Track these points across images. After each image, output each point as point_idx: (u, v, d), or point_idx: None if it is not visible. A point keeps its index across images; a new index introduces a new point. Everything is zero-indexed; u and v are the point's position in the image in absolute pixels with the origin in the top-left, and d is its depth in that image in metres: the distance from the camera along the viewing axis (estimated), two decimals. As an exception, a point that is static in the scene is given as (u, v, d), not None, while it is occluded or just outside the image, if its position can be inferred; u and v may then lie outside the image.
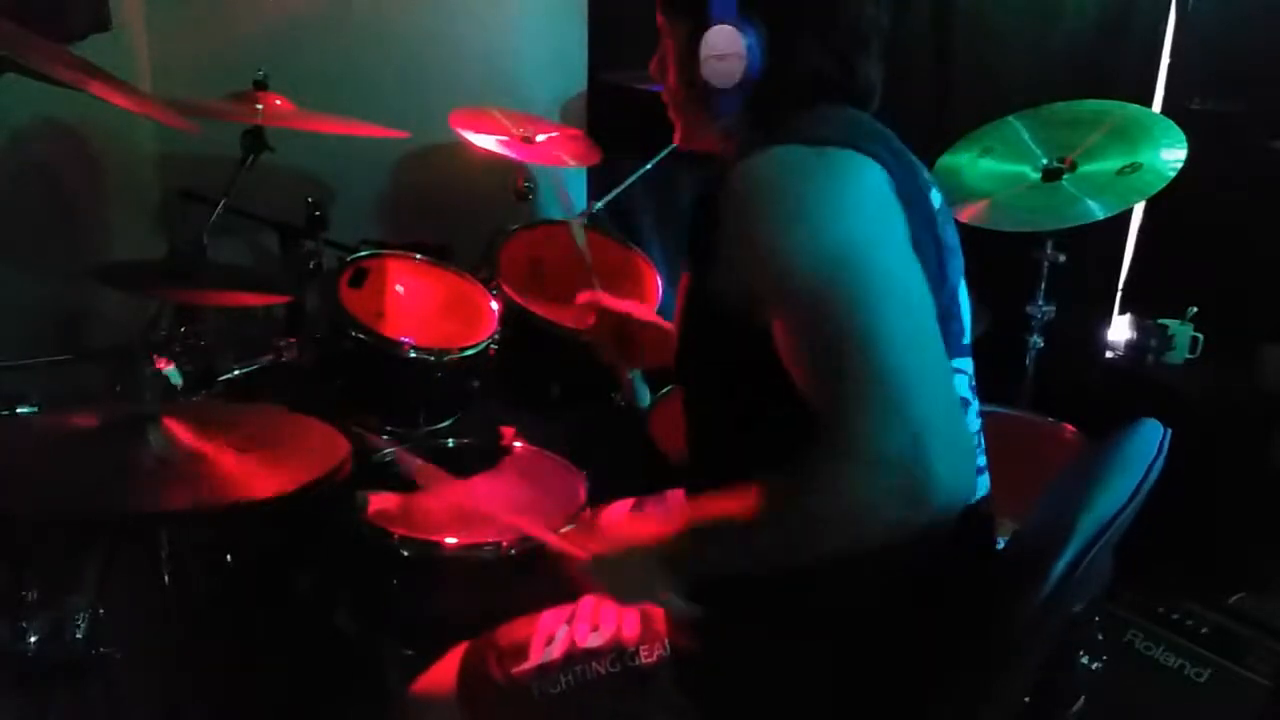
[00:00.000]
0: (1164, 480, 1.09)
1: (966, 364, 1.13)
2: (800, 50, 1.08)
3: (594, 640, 1.19)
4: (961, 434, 0.91)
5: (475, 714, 1.23)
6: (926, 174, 1.14)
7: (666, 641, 1.16)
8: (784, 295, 0.94)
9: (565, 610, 1.25)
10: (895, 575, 1.08)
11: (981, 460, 1.16)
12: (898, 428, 0.84)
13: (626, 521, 1.25)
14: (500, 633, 1.27)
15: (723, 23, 1.06)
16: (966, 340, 1.13)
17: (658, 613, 1.19)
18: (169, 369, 1.72)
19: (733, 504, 0.94)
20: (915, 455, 0.83)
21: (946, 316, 1.05)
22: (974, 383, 1.17)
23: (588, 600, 1.25)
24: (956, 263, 1.12)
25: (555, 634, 1.22)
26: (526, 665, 1.20)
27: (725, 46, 1.06)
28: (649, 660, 1.15)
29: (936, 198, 1.12)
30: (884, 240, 0.94)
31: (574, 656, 1.18)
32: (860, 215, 0.95)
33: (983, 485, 1.16)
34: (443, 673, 1.28)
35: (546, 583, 1.29)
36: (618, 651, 1.17)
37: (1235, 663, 1.86)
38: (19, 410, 1.48)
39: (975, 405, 1.16)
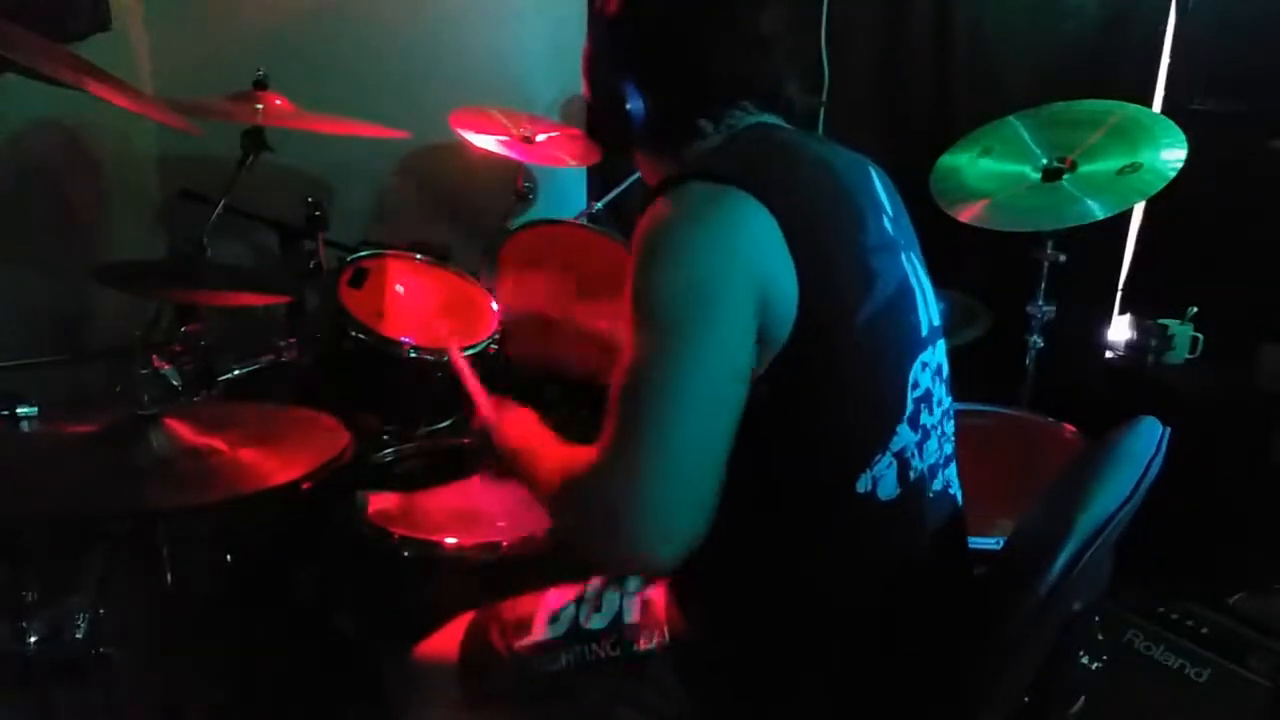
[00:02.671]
0: (1164, 480, 1.09)
1: (929, 355, 1.14)
2: (674, 82, 1.16)
3: (596, 622, 1.21)
4: (695, 511, 0.94)
5: (474, 683, 1.25)
6: (857, 175, 1.18)
7: (665, 629, 1.17)
8: (630, 324, 0.99)
9: (570, 590, 1.27)
10: (887, 577, 1.10)
11: (949, 449, 1.18)
12: (631, 483, 0.92)
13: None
14: (506, 606, 1.28)
15: (604, 84, 1.17)
16: (925, 332, 1.14)
17: (659, 601, 1.21)
18: (168, 369, 1.72)
19: (546, 460, 1.11)
20: (636, 513, 0.92)
21: (888, 317, 1.08)
22: (944, 373, 1.18)
23: (594, 583, 1.27)
24: (898, 258, 1.14)
25: (559, 613, 1.23)
26: (530, 640, 1.22)
27: (609, 98, 1.16)
28: (647, 646, 1.17)
29: (872, 195, 1.16)
30: (718, 307, 0.97)
31: (576, 636, 1.20)
32: (710, 276, 0.97)
33: (953, 472, 1.19)
34: (446, 639, 1.30)
35: (546, 581, 1.30)
36: (618, 635, 1.19)
37: (1235, 663, 1.85)
38: (18, 410, 1.48)
39: (940, 395, 1.17)
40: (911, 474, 1.09)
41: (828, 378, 1.04)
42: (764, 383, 1.01)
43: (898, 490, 1.08)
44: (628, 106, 1.15)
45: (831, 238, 1.07)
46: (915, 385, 1.10)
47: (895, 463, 1.07)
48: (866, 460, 1.06)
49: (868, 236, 1.10)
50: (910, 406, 1.09)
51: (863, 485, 1.05)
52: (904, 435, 1.08)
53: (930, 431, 1.12)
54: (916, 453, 1.10)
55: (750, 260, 0.99)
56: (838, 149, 1.21)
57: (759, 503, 1.07)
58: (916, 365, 1.11)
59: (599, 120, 1.22)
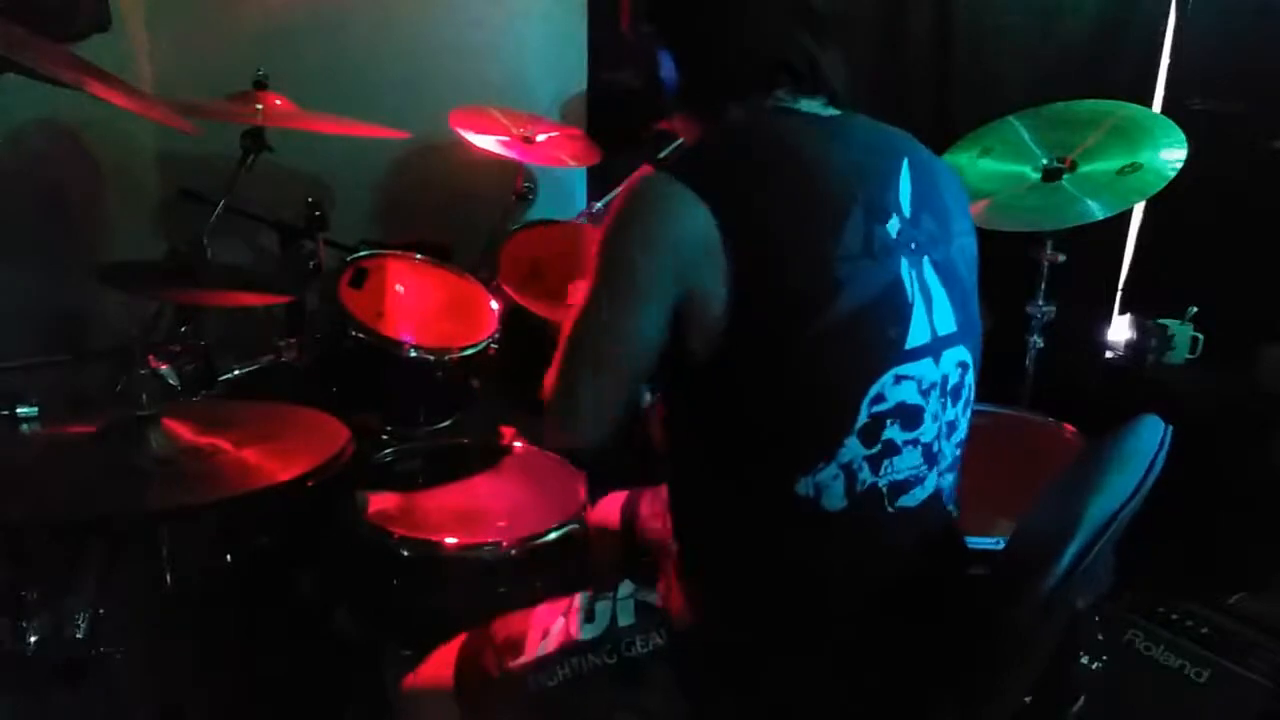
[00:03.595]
0: (1164, 480, 1.09)
1: (915, 369, 1.09)
2: (706, 50, 1.20)
3: (589, 632, 1.20)
4: (602, 419, 1.17)
5: (472, 707, 1.24)
6: (866, 173, 1.14)
7: (661, 630, 1.17)
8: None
9: (561, 603, 1.26)
10: (845, 586, 1.11)
11: (944, 464, 1.16)
12: (557, 398, 1.19)
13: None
14: (496, 626, 1.28)
15: (641, 46, 1.23)
16: (921, 342, 1.10)
17: (655, 602, 1.21)
18: (165, 369, 1.72)
19: None
20: (560, 418, 1.19)
21: (851, 328, 1.06)
22: (947, 387, 1.14)
23: (582, 595, 1.26)
24: (888, 264, 1.09)
25: (551, 627, 1.23)
26: (523, 659, 1.21)
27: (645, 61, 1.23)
28: (644, 649, 1.17)
29: (879, 195, 1.13)
30: (636, 280, 1.10)
31: (570, 649, 1.20)
32: (640, 251, 1.09)
33: (946, 485, 1.17)
34: (438, 665, 1.29)
35: (546, 580, 1.30)
36: (613, 643, 1.19)
37: (1235, 663, 1.85)
38: (19, 410, 1.48)
39: (935, 410, 1.12)
40: (859, 487, 1.07)
41: (769, 379, 1.05)
42: (708, 368, 1.07)
43: (844, 502, 1.07)
44: (660, 74, 1.21)
45: (789, 243, 1.06)
46: (879, 399, 1.07)
47: (842, 474, 1.06)
48: (806, 465, 1.06)
49: (841, 244, 1.06)
50: (864, 419, 1.06)
51: (803, 489, 1.06)
52: (852, 448, 1.06)
53: (902, 448, 1.09)
54: (868, 467, 1.07)
55: (675, 254, 1.06)
56: (860, 141, 1.18)
57: (720, 500, 1.12)
58: (887, 379, 1.07)
59: (643, 86, 1.26)
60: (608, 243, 1.12)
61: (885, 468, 1.08)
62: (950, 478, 1.17)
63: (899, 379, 1.08)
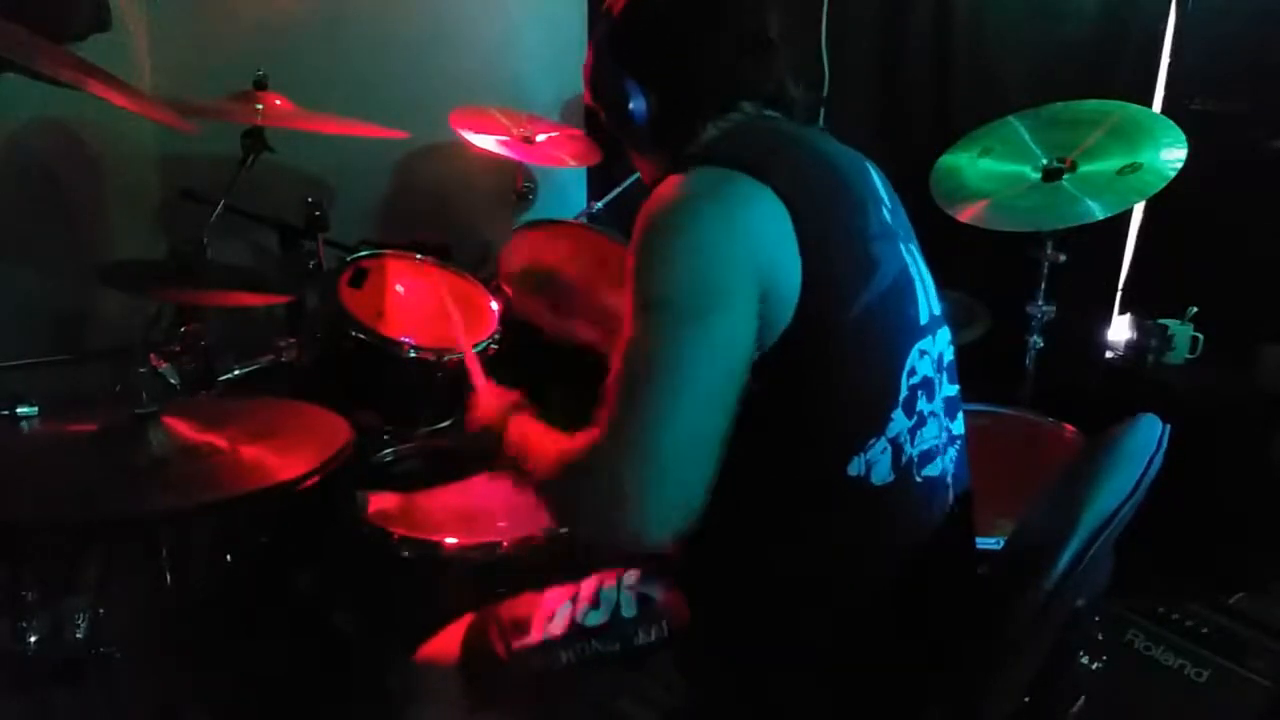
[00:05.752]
0: (1164, 480, 1.09)
1: (928, 343, 1.14)
2: (674, 84, 1.18)
3: (595, 619, 1.21)
4: (690, 491, 0.96)
5: (476, 685, 1.25)
6: (856, 167, 1.19)
7: (664, 622, 1.18)
8: (631, 306, 1.01)
9: (568, 589, 1.27)
10: (881, 563, 1.10)
11: (952, 436, 1.18)
12: (630, 459, 0.95)
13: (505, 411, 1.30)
14: (504, 607, 1.29)
15: (607, 80, 1.19)
16: (925, 320, 1.15)
17: (657, 594, 1.22)
18: (165, 368, 1.73)
19: (548, 449, 1.10)
20: (633, 489, 0.94)
21: (886, 304, 1.09)
22: (945, 362, 1.18)
23: (590, 580, 1.27)
24: (896, 247, 1.14)
25: (557, 611, 1.24)
26: (529, 641, 1.23)
27: (612, 98, 1.19)
28: (646, 639, 1.18)
29: (870, 186, 1.18)
30: (725, 291, 0.99)
31: (575, 634, 1.21)
32: (718, 259, 0.99)
33: (956, 470, 1.18)
34: (447, 641, 1.30)
35: (546, 581, 1.30)
36: (617, 630, 1.20)
37: (1235, 663, 1.85)
38: (19, 410, 1.48)
39: (942, 383, 1.17)
40: (903, 459, 1.09)
41: (825, 363, 1.05)
42: (761, 367, 1.02)
43: (891, 476, 1.08)
44: (630, 106, 1.17)
45: (835, 225, 1.08)
46: (913, 372, 1.10)
47: (890, 448, 1.08)
48: (860, 444, 1.06)
49: (869, 225, 1.11)
50: (905, 392, 1.09)
51: (855, 469, 1.06)
52: (899, 421, 1.08)
53: (927, 418, 1.12)
54: (909, 438, 1.10)
55: (756, 242, 1.01)
56: (835, 143, 1.22)
57: (753, 490, 1.08)
58: (914, 353, 1.11)
59: (602, 119, 1.23)
60: (671, 245, 1.00)
61: (918, 438, 1.11)
62: (953, 454, 1.18)
63: (921, 353, 1.12)
